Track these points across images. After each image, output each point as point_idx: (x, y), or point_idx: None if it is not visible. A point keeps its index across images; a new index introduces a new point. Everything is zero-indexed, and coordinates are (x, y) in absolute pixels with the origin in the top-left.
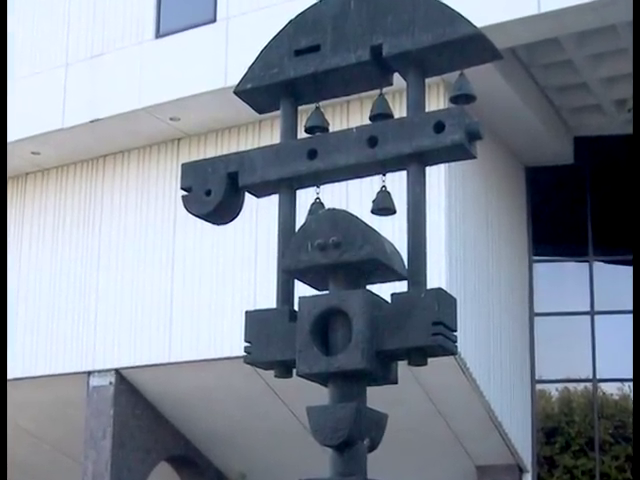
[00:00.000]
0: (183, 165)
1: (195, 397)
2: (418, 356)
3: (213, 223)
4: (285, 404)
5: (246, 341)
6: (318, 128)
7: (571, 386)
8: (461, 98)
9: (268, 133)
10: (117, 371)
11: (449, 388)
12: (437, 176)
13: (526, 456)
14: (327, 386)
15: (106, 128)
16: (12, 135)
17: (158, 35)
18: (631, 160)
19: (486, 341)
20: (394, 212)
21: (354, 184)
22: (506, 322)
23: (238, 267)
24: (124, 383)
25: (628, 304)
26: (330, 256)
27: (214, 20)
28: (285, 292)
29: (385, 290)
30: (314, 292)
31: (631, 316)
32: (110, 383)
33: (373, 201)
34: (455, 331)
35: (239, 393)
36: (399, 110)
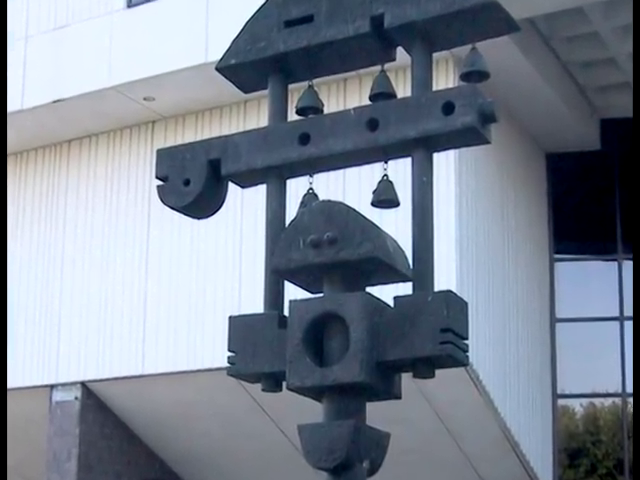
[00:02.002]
0: (158, 151)
1: (172, 414)
2: (424, 367)
3: (192, 217)
4: (274, 422)
5: (229, 350)
6: (311, 109)
7: (597, 401)
8: (473, 75)
9: (254, 115)
10: (83, 384)
11: (459, 404)
12: (446, 164)
13: None
14: (321, 401)
15: (71, 109)
16: None
17: (130, 4)
18: None
19: (501, 350)
20: (397, 204)
21: (352, 173)
22: (524, 329)
23: (221, 267)
24: (91, 398)
25: None
26: (325, 254)
27: None
28: (274, 295)
29: (387, 293)
30: (307, 295)
31: None
32: (75, 398)
33: (374, 192)
34: (466, 339)
35: (222, 409)
36: (403, 89)
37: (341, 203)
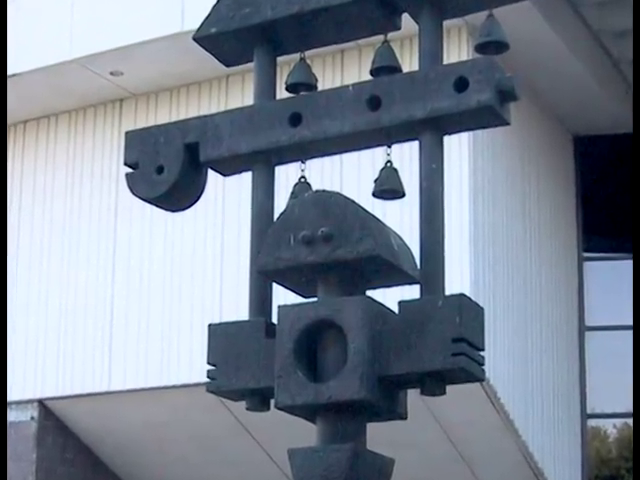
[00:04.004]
0: (127, 133)
1: (143, 436)
2: (434, 383)
3: (166, 209)
4: (260, 445)
5: (209, 363)
6: (303, 85)
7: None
8: (490, 46)
9: (238, 92)
10: (41, 402)
11: (474, 424)
12: (459, 148)
13: None
14: (315, 422)
15: (28, 85)
16: None
17: None
18: None
19: (522, 364)
20: (402, 195)
21: (350, 158)
22: (548, 339)
23: (199, 267)
24: (50, 418)
25: None
26: (319, 252)
27: None
28: (260, 299)
29: (391, 297)
30: (298, 299)
31: None
32: (32, 418)
33: (375, 181)
34: (482, 350)
35: (200, 431)
36: (409, 62)
37: (338, 194)
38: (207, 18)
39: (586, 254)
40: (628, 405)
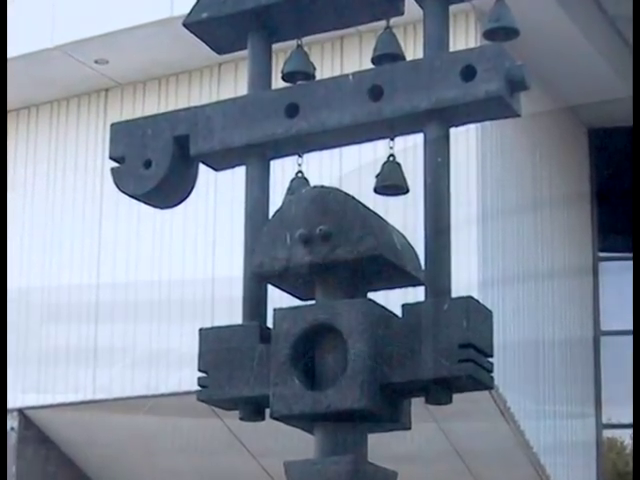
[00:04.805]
0: (113, 125)
1: (130, 448)
2: (440, 391)
3: (155, 206)
4: (254, 457)
5: (200, 370)
6: (301, 74)
7: None
8: (499, 33)
9: (231, 81)
10: (21, 412)
11: (482, 436)
12: (466, 141)
13: None
14: (313, 433)
15: (8, 74)
16: None
17: None
18: None
19: (534, 370)
20: (406, 191)
21: (350, 152)
22: (562, 344)
23: (190, 267)
24: (31, 428)
25: None
26: (317, 252)
27: None
28: (254, 302)
29: (393, 299)
30: (295, 302)
31: None
32: (12, 429)
33: (377, 176)
34: (491, 356)
35: (191, 442)
36: (413, 49)
37: (337, 189)
38: (198, 3)
39: (601, 254)
40: None
